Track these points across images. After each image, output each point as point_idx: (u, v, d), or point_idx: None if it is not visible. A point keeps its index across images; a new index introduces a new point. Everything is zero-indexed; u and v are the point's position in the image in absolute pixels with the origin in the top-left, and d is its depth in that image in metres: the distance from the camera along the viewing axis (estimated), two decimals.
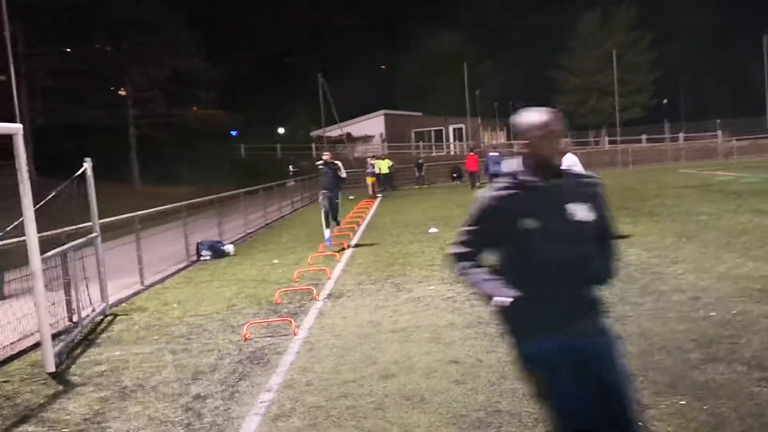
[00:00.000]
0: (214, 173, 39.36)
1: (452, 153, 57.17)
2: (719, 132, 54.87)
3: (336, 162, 14.31)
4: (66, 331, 7.86)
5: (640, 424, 2.93)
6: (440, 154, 56.78)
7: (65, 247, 8.01)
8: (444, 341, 6.47)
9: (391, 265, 11.16)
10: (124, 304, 9.71)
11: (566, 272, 2.89)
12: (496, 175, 27.75)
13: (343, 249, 13.42)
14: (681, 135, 56.62)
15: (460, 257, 3.10)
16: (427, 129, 61.43)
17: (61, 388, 6.02)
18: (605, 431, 2.80)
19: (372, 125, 58.31)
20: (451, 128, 62.84)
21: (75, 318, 8.34)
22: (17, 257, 10.47)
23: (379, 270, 10.82)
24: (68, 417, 5.24)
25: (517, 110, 3.12)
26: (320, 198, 14.16)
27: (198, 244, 13.87)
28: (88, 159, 8.90)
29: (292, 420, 4.78)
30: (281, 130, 61.95)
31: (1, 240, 7.92)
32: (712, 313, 6.60)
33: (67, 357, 6.98)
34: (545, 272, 2.88)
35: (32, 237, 6.47)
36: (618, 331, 6.17)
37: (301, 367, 6.01)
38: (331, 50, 77.50)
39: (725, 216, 13.91)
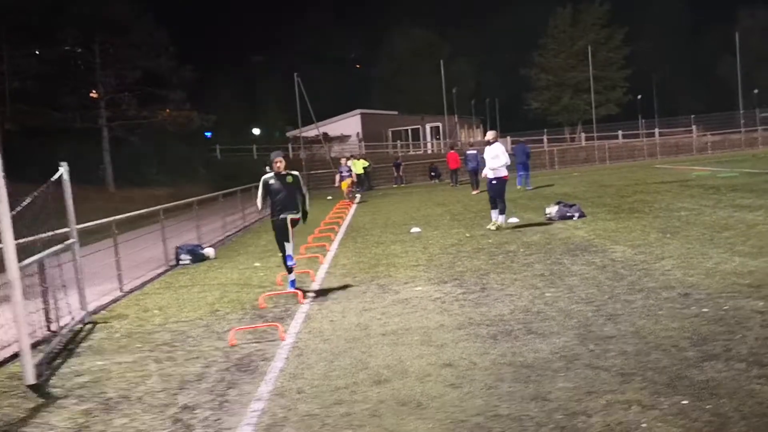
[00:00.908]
0: (188, 176, 38.94)
1: (429, 151, 57.23)
2: (693, 127, 55.52)
3: (293, 173, 9.61)
4: (45, 340, 7.60)
5: None
6: (417, 152, 56.81)
7: (43, 254, 7.75)
8: (435, 344, 6.35)
9: (375, 266, 11.03)
10: (103, 312, 9.47)
11: None
12: (475, 171, 27.69)
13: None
14: (656, 131, 57.18)
15: None
16: (404, 128, 61.46)
17: (42, 401, 5.81)
18: None
19: (348, 125, 58.17)
20: (428, 126, 62.91)
21: (54, 327, 8.09)
22: None
23: (363, 271, 10.69)
24: (51, 431, 5.04)
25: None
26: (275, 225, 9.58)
27: (177, 248, 13.61)
28: (63, 163, 8.66)
29: (285, 430, 4.62)
30: (256, 131, 61.48)
31: None
32: (704, 310, 6.56)
33: (47, 368, 6.75)
34: None
35: (9, 245, 6.23)
36: (611, 329, 6.15)
37: (290, 373, 5.86)
38: (306, 49, 77.23)
39: (706, 211, 13.97)
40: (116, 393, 5.80)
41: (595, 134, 56.86)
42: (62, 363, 6.98)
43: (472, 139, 52.57)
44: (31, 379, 6.28)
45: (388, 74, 78.88)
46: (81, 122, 35.65)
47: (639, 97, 73.91)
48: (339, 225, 18.30)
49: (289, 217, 9.29)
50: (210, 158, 46.00)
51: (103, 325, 8.61)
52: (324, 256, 12.67)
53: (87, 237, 11.69)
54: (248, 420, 4.87)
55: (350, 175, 28.17)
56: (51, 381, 6.38)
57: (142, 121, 37.98)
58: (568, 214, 14.80)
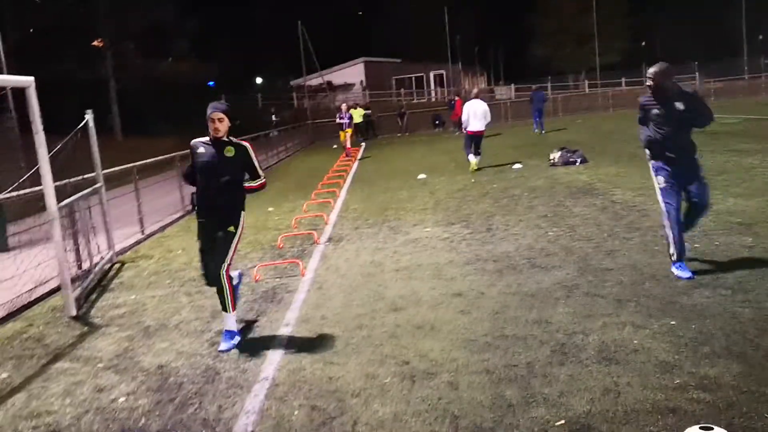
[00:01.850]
0: (193, 125, 39.14)
1: (433, 99, 57.13)
2: (697, 74, 55.19)
3: (239, 143, 5.66)
4: (77, 278, 8.13)
5: None
6: (421, 101, 56.73)
7: (74, 197, 8.22)
8: (446, 277, 6.85)
9: (385, 210, 11.50)
10: (129, 252, 10.00)
11: None
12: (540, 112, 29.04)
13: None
14: None
15: None
16: (408, 76, 61.25)
17: (86, 329, 6.35)
18: None
19: (352, 73, 58.05)
20: (431, 74, 62.67)
21: (84, 266, 8.60)
22: (17, 211, 10.72)
23: (374, 215, 11.16)
24: (100, 354, 5.58)
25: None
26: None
27: (192, 194, 14.00)
28: (89, 111, 9.07)
29: (314, 349, 5.14)
30: (259, 80, 61.36)
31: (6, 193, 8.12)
32: (697, 245, 7.02)
33: (84, 302, 7.28)
34: None
35: (49, 187, 6.70)
36: (609, 263, 6.61)
37: (313, 303, 6.38)
38: None
39: (705, 156, 14.25)
40: (154, 322, 6.33)
41: (599, 81, 56.63)
42: (98, 298, 7.52)
43: (476, 87, 52.40)
44: (72, 310, 6.82)
45: (391, 21, 78.11)
46: (87, 74, 35.79)
47: (643, 44, 73.24)
48: (347, 173, 18.73)
49: (222, 229, 5.53)
50: None
51: (130, 264, 9.14)
52: (334, 201, 13.12)
53: (106, 184, 12.13)
54: (278, 342, 5.39)
55: (350, 124, 25.35)
56: (91, 313, 6.92)
57: (147, 71, 38.12)
58: (571, 160, 15.20)
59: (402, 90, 57.36)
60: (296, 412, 4.09)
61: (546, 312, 5.45)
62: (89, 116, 8.99)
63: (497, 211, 10.39)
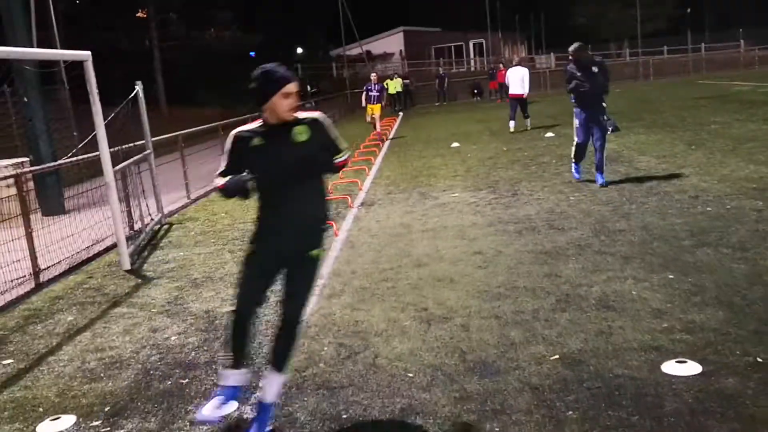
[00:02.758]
0: (236, 95, 39.94)
1: (473, 69, 56.93)
2: (741, 42, 53.89)
3: (312, 115, 3.72)
4: (130, 238, 8.83)
5: None
6: (461, 70, 56.60)
7: (126, 162, 8.90)
8: (468, 237, 7.35)
9: (417, 177, 11.99)
10: (176, 215, 10.71)
11: None
12: None
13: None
14: (702, 46, 55.75)
15: None
16: (447, 45, 61.06)
17: (140, 281, 7.03)
18: None
19: (391, 43, 58.15)
20: (471, 43, 62.36)
21: (136, 227, 9.32)
22: (71, 177, 11.48)
23: (405, 181, 11.67)
24: (153, 301, 6.24)
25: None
26: None
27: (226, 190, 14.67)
28: (138, 82, 9.71)
29: (343, 297, 5.72)
30: (299, 50, 61.82)
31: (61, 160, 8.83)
32: (708, 209, 7.39)
33: (137, 258, 7.98)
34: None
35: (105, 152, 7.36)
36: (623, 225, 7.03)
37: (345, 259, 6.95)
38: None
39: (736, 124, 14.48)
40: (201, 275, 6.98)
41: (640, 50, 55.68)
42: (149, 254, 8.20)
43: (516, 56, 52.05)
44: (127, 265, 7.51)
45: None
46: (132, 44, 36.71)
47: (689, 10, 71.50)
48: (384, 140, 19.20)
49: (300, 255, 3.76)
50: None
51: (178, 225, 9.84)
52: (369, 168, 13.65)
53: (153, 152, 12.85)
54: (313, 292, 5.96)
55: (379, 99, 20.23)
56: (143, 267, 7.60)
57: (189, 41, 38.89)
58: None
59: (441, 59, 57.26)
60: (325, 348, 4.67)
61: (557, 267, 5.93)
62: (139, 87, 9.63)
63: (524, 177, 10.81)
